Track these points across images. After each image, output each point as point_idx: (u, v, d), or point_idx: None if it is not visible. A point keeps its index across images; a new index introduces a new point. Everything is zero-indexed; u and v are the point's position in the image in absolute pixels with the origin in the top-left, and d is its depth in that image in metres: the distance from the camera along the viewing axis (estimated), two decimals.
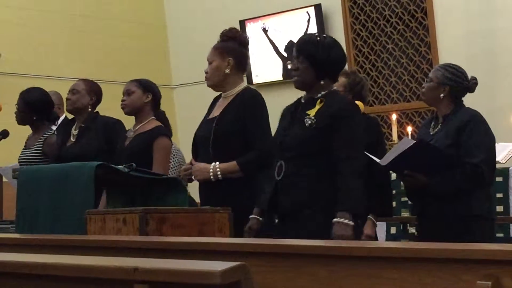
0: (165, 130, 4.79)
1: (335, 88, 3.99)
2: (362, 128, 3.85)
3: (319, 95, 3.84)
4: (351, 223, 3.63)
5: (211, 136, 4.19)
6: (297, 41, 3.94)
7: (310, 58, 3.83)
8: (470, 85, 4.16)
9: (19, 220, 4.35)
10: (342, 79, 4.56)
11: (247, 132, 4.14)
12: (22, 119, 5.38)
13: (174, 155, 5.65)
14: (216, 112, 4.29)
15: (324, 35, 3.99)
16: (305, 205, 3.72)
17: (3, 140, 5.69)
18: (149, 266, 1.66)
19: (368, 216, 4.45)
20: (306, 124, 3.78)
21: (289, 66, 3.96)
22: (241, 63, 4.33)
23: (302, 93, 3.98)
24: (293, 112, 3.92)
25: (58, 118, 5.59)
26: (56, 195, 4.13)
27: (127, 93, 4.82)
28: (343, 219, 3.63)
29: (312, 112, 3.80)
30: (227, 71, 4.28)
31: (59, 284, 1.81)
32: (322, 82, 3.84)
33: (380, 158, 4.12)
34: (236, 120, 4.16)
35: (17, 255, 2.09)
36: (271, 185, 3.88)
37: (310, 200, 3.72)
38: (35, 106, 5.32)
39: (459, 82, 4.13)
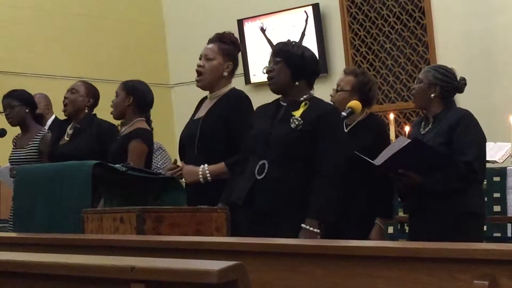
0: (139, 132, 4.69)
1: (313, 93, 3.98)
2: (344, 135, 3.95)
3: (302, 98, 3.86)
4: (317, 231, 3.64)
5: (197, 136, 4.21)
6: (273, 47, 4.07)
7: (284, 57, 3.89)
8: (459, 85, 4.23)
9: (15, 219, 4.35)
10: (349, 78, 4.50)
11: (233, 133, 4.16)
12: (16, 114, 5.36)
13: (159, 154, 5.64)
14: (201, 113, 4.33)
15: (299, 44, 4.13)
16: (287, 211, 3.72)
17: (1, 139, 5.70)
18: (146, 265, 1.66)
19: (375, 221, 4.39)
20: (292, 125, 3.78)
21: (264, 71, 3.99)
22: (235, 70, 4.42)
23: None
24: (274, 113, 3.91)
25: (43, 117, 5.61)
26: (53, 194, 4.13)
27: (115, 96, 4.82)
28: (310, 226, 3.65)
29: (297, 114, 3.81)
30: (225, 74, 4.33)
31: (55, 283, 1.81)
32: (297, 83, 3.86)
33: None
34: (221, 120, 4.19)
35: (14, 254, 2.08)
36: (246, 180, 3.83)
37: (292, 205, 3.71)
38: (25, 99, 5.36)
39: (449, 82, 4.20)
